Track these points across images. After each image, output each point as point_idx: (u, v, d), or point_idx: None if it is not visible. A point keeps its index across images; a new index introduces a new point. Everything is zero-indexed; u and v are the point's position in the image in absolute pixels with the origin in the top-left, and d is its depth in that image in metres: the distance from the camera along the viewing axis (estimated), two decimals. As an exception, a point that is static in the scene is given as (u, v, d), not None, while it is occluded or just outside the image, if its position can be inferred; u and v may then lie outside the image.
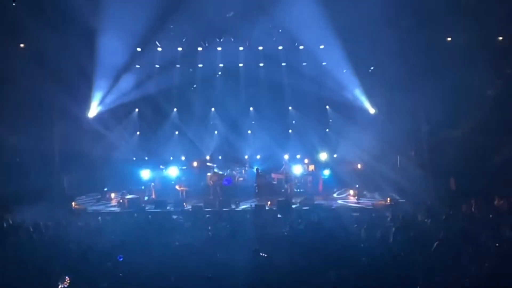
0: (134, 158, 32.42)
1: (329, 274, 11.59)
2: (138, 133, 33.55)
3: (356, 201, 26.89)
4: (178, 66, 32.46)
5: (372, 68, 28.57)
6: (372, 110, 30.09)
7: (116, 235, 15.81)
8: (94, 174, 28.72)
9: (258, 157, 32.74)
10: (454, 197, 22.34)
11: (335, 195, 28.86)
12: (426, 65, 25.41)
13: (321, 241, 14.28)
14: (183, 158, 32.60)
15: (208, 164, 30.96)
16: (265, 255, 12.76)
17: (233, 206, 25.30)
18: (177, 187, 28.04)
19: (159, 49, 30.86)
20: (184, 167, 30.90)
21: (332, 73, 30.52)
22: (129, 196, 26.60)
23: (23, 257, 13.01)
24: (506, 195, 20.36)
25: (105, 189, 28.89)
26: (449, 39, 26.19)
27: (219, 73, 33.84)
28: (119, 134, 31.26)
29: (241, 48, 31.75)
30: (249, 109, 35.07)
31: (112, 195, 28.25)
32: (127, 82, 30.36)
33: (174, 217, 21.07)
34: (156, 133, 33.37)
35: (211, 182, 28.35)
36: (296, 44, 31.03)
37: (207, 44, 31.02)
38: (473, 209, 19.88)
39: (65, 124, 26.95)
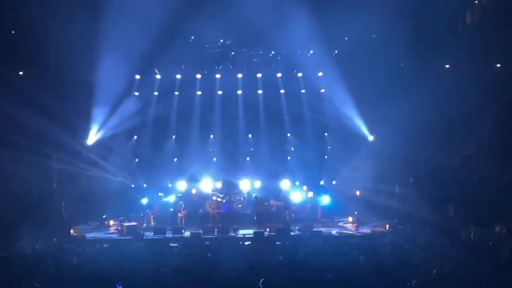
0: (133, 185, 32.38)
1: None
2: (136, 160, 33.52)
3: (354, 228, 26.86)
4: (176, 93, 32.53)
5: (370, 95, 28.61)
6: (370, 137, 30.09)
7: (114, 262, 15.76)
8: (92, 201, 28.62)
9: (257, 184, 32.64)
10: (453, 224, 22.31)
11: (334, 222, 28.83)
12: (425, 92, 25.48)
13: (320, 268, 14.25)
14: (182, 184, 32.36)
15: (206, 191, 30.91)
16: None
17: (231, 233, 25.27)
18: (179, 214, 28.08)
19: (158, 76, 31.01)
20: (180, 194, 30.90)
21: (331, 100, 30.63)
22: (127, 223, 26.51)
23: (21, 285, 12.95)
24: (506, 222, 20.35)
25: (104, 216, 28.83)
26: (447, 66, 26.28)
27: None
28: (118, 161, 31.22)
29: (239, 75, 31.89)
30: (247, 136, 35.06)
31: (111, 222, 28.17)
32: (126, 109, 30.39)
33: (173, 244, 20.98)
34: (154, 160, 33.33)
35: (210, 209, 28.35)
36: (294, 71, 31.19)
37: (205, 72, 31.13)
38: (472, 236, 19.87)
39: (64, 151, 26.92)
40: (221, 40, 28.22)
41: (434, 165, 26.37)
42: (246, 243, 21.86)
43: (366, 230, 25.96)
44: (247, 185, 31.80)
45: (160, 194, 30.38)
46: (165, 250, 18.90)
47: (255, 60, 30.13)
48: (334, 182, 32.98)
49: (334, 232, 25.70)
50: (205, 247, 20.03)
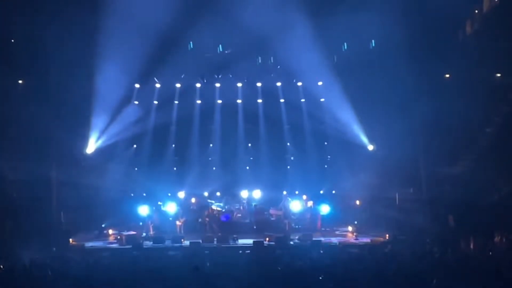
0: (132, 194, 32.30)
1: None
2: (136, 169, 33.46)
3: (354, 237, 26.80)
4: (176, 102, 32.51)
5: (369, 104, 28.60)
6: (370, 147, 30.09)
7: (113, 272, 15.71)
8: (92, 210, 28.50)
9: (256, 193, 32.59)
10: (453, 234, 22.27)
11: (333, 231, 28.75)
12: (424, 101, 25.49)
13: (320, 277, 14.21)
14: (181, 194, 32.38)
15: (207, 200, 30.88)
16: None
17: (231, 242, 25.21)
18: (177, 222, 28.06)
19: (158, 85, 31.00)
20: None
21: (331, 109, 30.65)
22: (127, 233, 26.48)
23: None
24: (506, 232, 20.31)
25: (103, 225, 28.79)
26: (447, 75, 26.28)
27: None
28: (117, 170, 31.15)
29: (239, 85, 31.90)
30: (247, 145, 35.00)
31: (110, 231, 28.13)
32: (125, 118, 30.39)
33: (172, 253, 20.94)
34: (154, 169, 33.25)
35: (207, 219, 28.34)
36: (294, 80, 31.18)
37: (205, 81, 31.12)
38: (471, 247, 19.83)
39: (63, 160, 26.89)
40: (221, 49, 28.22)
41: (434, 175, 26.34)
42: (246, 252, 21.86)
43: (366, 239, 25.84)
44: (247, 194, 31.76)
45: (159, 203, 30.27)
46: (165, 259, 18.87)
47: (254, 69, 30.08)
48: (334, 192, 32.95)
49: (334, 241, 25.63)
50: (204, 256, 19.97)
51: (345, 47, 27.44)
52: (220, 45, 27.74)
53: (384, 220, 27.53)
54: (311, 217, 29.68)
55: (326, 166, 34.47)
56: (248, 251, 22.08)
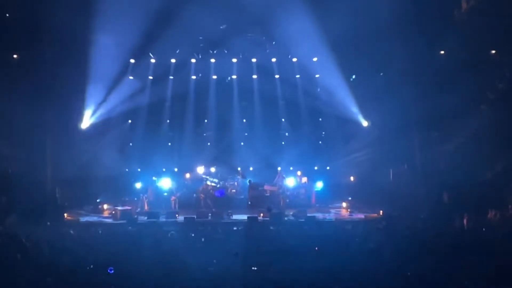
0: (127, 170, 32.27)
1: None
2: (130, 144, 33.38)
3: (348, 213, 26.88)
4: (171, 77, 32.37)
5: (365, 81, 28.56)
6: (365, 123, 30.11)
7: (108, 247, 15.75)
8: (87, 185, 28.49)
9: (251, 169, 32.65)
10: (447, 211, 22.33)
11: (328, 207, 28.81)
12: (419, 78, 25.50)
13: (314, 253, 14.27)
14: (176, 169, 32.48)
15: (202, 175, 30.88)
16: (255, 268, 12.75)
17: (225, 218, 25.28)
18: (172, 197, 28.11)
19: (153, 60, 30.88)
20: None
21: (325, 85, 30.63)
22: (121, 208, 26.51)
23: (15, 270, 12.92)
24: (499, 208, 20.38)
25: (98, 200, 28.79)
26: (442, 52, 26.26)
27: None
28: (112, 145, 31.10)
29: (234, 60, 31.78)
30: (242, 121, 34.91)
31: (105, 206, 28.12)
32: (120, 93, 30.28)
33: (166, 229, 20.97)
34: (148, 144, 33.20)
35: (201, 195, 28.35)
36: (289, 56, 31.09)
37: (200, 56, 31.02)
38: (465, 222, 19.90)
39: (58, 135, 26.85)
40: (216, 25, 28.08)
41: (428, 151, 26.40)
42: (239, 228, 21.91)
43: (360, 215, 25.97)
44: (241, 170, 31.80)
45: (154, 178, 30.29)
46: (159, 234, 18.91)
47: (249, 45, 29.98)
48: (328, 168, 32.98)
49: (328, 217, 25.72)
50: (199, 231, 20.03)
51: (340, 22, 27.32)
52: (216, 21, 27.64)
53: (378, 196, 27.56)
54: (305, 193, 29.74)
55: (320, 142, 34.42)
56: (242, 227, 22.13)
